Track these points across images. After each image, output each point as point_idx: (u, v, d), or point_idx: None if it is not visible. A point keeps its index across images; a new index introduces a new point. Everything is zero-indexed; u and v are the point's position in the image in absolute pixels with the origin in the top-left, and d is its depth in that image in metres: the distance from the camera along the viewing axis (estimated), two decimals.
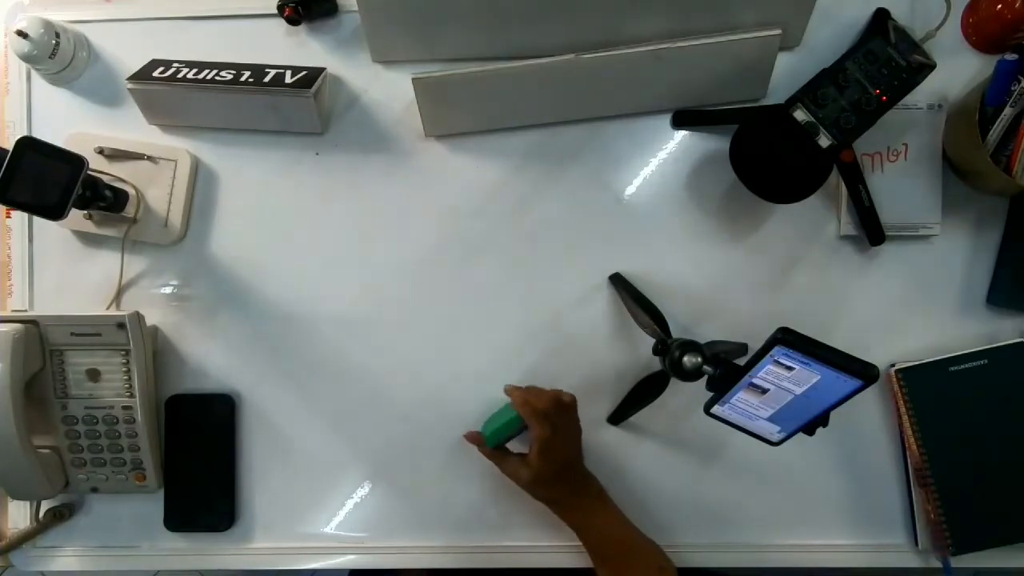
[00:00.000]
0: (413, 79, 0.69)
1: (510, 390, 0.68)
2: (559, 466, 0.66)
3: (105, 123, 0.78)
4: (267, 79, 0.72)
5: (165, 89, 0.72)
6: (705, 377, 0.61)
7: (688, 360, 0.62)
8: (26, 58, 0.73)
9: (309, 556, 0.77)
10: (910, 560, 0.75)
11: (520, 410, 0.66)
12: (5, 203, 0.63)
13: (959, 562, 0.73)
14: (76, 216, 0.75)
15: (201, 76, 0.72)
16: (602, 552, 0.68)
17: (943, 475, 0.72)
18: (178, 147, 0.77)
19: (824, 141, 0.65)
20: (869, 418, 0.75)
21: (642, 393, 0.72)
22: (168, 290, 0.78)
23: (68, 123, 0.77)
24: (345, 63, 0.77)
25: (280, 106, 0.73)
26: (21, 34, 0.71)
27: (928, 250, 0.75)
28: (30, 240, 0.78)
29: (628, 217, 0.76)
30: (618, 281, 0.74)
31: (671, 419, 0.75)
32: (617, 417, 0.75)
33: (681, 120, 0.75)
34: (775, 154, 0.67)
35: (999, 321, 0.74)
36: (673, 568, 0.68)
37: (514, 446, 0.71)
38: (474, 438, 0.70)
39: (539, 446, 0.64)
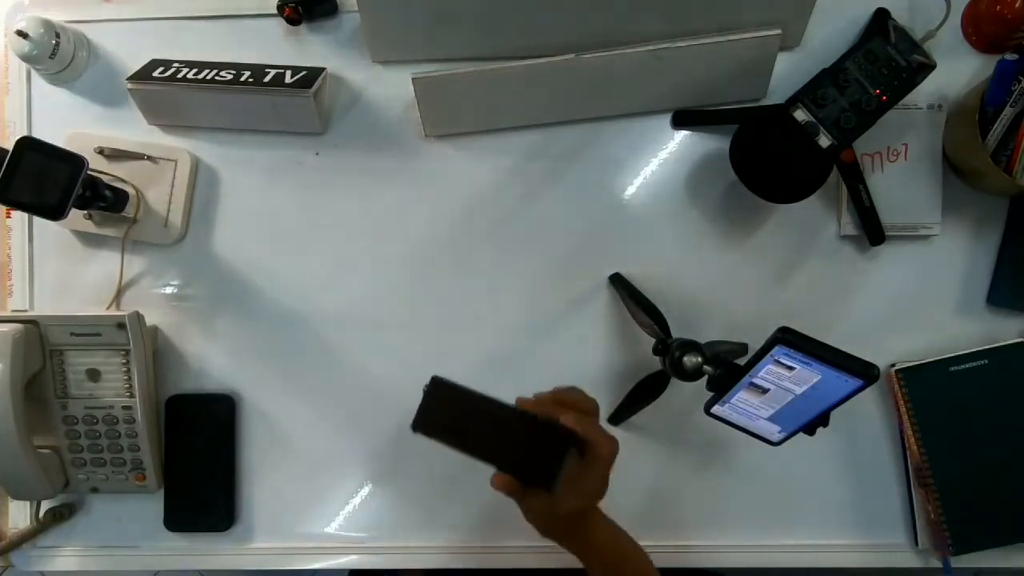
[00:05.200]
0: (413, 79, 0.69)
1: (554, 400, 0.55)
2: None
3: (105, 123, 0.78)
4: (267, 79, 0.72)
5: (165, 89, 0.72)
6: (705, 377, 0.61)
7: (688, 360, 0.62)
8: (26, 58, 0.73)
9: (309, 556, 0.77)
10: (910, 560, 0.75)
11: (584, 429, 0.52)
12: (5, 203, 0.63)
13: (959, 562, 0.73)
14: (76, 216, 0.75)
15: (201, 76, 0.72)
16: (623, 571, 0.60)
17: (943, 475, 0.72)
18: (178, 147, 0.77)
19: (824, 141, 0.65)
20: (869, 418, 0.75)
21: (642, 393, 0.72)
22: (168, 290, 0.78)
23: (68, 123, 0.77)
24: (345, 63, 0.77)
25: (280, 106, 0.73)
26: (21, 34, 0.71)
27: (928, 250, 0.75)
28: (30, 240, 0.78)
29: (628, 217, 0.76)
30: (618, 281, 0.74)
31: (671, 419, 0.75)
32: (617, 417, 0.75)
33: (681, 120, 0.75)
34: (775, 154, 0.67)
35: (999, 321, 0.74)
36: None
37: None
38: (505, 484, 0.53)
39: (610, 458, 0.53)
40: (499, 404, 0.52)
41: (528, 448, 0.52)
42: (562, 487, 0.51)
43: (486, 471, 0.75)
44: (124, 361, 0.72)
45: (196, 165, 0.77)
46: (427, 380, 0.53)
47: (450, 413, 0.52)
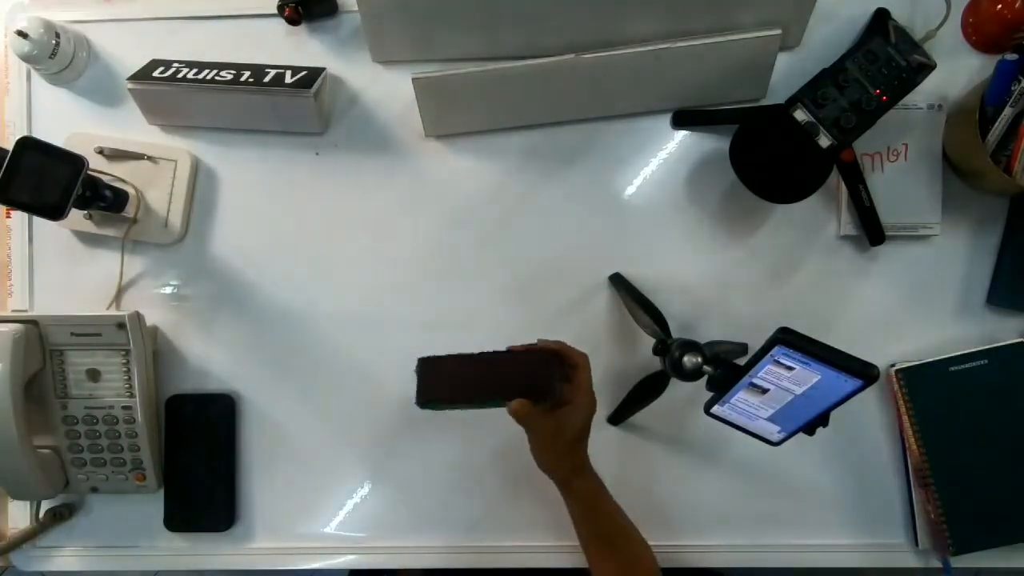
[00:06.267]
0: (413, 79, 0.69)
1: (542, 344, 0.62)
2: (589, 428, 0.63)
3: (105, 123, 0.78)
4: (267, 79, 0.72)
5: (165, 89, 0.72)
6: (705, 377, 0.61)
7: (688, 360, 0.62)
8: (26, 58, 0.73)
9: (309, 556, 0.77)
10: (910, 560, 0.75)
11: (579, 357, 0.61)
12: (5, 203, 0.63)
13: (959, 562, 0.73)
14: (76, 216, 0.75)
15: (201, 76, 0.72)
16: (605, 533, 0.65)
17: (943, 475, 0.72)
18: (178, 147, 0.77)
19: (824, 141, 0.65)
20: (869, 418, 0.75)
21: (642, 393, 0.72)
22: (168, 290, 0.78)
23: (68, 123, 0.77)
24: (345, 63, 0.77)
25: (280, 106, 0.73)
26: (21, 34, 0.71)
27: (928, 250, 0.75)
28: (30, 240, 0.78)
29: (628, 217, 0.76)
30: (618, 281, 0.74)
31: (671, 419, 0.75)
32: (617, 417, 0.75)
33: (681, 120, 0.75)
34: (775, 154, 0.67)
35: (999, 321, 0.74)
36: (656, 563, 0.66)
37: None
38: (521, 406, 0.58)
39: (590, 401, 0.61)
40: (482, 354, 0.58)
41: (521, 373, 0.59)
42: (560, 391, 0.59)
43: (485, 471, 0.76)
44: (124, 361, 0.71)
45: (196, 165, 0.77)
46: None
47: (445, 380, 0.57)
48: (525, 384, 0.58)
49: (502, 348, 0.61)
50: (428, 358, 0.58)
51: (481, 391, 0.58)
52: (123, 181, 0.75)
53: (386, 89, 0.77)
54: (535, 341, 0.63)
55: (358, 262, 0.77)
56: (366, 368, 0.77)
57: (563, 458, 0.63)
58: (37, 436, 0.71)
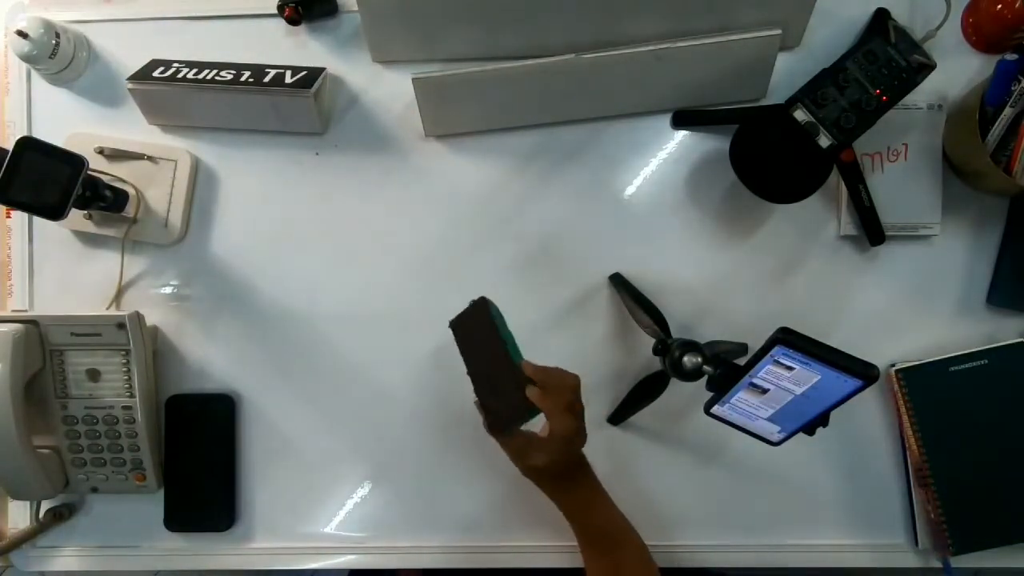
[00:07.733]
0: (413, 79, 0.69)
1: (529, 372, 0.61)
2: (574, 454, 0.63)
3: (105, 123, 0.78)
4: (267, 79, 0.72)
5: (165, 89, 0.72)
6: (705, 377, 0.61)
7: (688, 360, 0.62)
8: (26, 58, 0.73)
9: (309, 556, 0.77)
10: (910, 560, 0.75)
11: (540, 404, 0.59)
12: (5, 203, 0.63)
13: (959, 562, 0.73)
14: (76, 216, 0.75)
15: (201, 76, 0.72)
16: (595, 539, 0.66)
17: (943, 475, 0.72)
18: (178, 147, 0.77)
19: (824, 141, 0.65)
20: (869, 418, 0.75)
21: (642, 393, 0.72)
22: (168, 290, 0.78)
23: (68, 123, 0.77)
24: (345, 63, 0.77)
25: (280, 106, 0.73)
26: (21, 34, 0.71)
27: (928, 250, 0.75)
28: (30, 240, 0.78)
29: (628, 217, 0.76)
30: (618, 281, 0.74)
31: (671, 419, 0.75)
32: (617, 417, 0.75)
33: (681, 120, 0.75)
34: (775, 154, 0.67)
35: (999, 321, 0.74)
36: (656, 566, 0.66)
37: None
38: (479, 410, 0.63)
39: (562, 440, 0.60)
40: (507, 351, 0.61)
41: (504, 395, 0.61)
42: (518, 436, 0.62)
43: (486, 471, 0.76)
44: (124, 361, 0.72)
45: (196, 165, 0.77)
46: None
47: (475, 333, 0.62)
48: (494, 408, 0.62)
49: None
50: (484, 306, 0.62)
51: (473, 372, 0.62)
52: (123, 181, 0.75)
53: (386, 89, 0.77)
54: (555, 365, 0.62)
55: (358, 262, 0.77)
56: (366, 368, 0.77)
57: (538, 480, 0.63)
58: (37, 436, 0.71)
